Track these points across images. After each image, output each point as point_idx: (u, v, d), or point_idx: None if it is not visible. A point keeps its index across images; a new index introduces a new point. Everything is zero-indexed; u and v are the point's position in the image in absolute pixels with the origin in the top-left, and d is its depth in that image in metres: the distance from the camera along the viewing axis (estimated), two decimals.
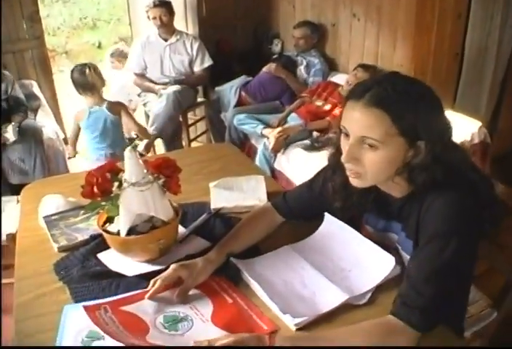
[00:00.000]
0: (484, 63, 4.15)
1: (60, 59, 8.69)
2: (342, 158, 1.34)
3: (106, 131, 3.56)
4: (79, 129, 3.63)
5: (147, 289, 1.42)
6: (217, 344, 1.18)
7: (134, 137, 4.01)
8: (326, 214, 1.69)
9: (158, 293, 1.42)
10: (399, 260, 1.51)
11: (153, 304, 1.40)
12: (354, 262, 1.55)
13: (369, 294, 1.43)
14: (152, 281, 1.43)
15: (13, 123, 3.78)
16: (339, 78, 4.38)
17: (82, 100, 3.63)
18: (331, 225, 1.68)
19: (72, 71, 3.53)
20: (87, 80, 3.44)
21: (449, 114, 3.32)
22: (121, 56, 5.06)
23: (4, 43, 4.57)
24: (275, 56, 4.90)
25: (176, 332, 1.31)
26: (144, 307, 1.39)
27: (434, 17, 3.83)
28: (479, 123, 3.46)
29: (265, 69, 4.57)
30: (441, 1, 3.79)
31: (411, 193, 1.39)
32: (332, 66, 4.72)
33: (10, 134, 3.73)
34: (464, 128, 3.44)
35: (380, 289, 1.45)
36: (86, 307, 1.33)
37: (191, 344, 1.21)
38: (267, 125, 4.12)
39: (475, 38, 4.09)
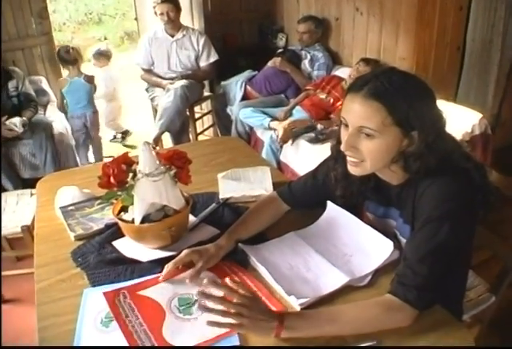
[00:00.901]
0: (489, 55, 4.18)
1: None
2: (342, 147, 1.41)
3: (81, 96, 4.49)
4: (62, 94, 4.53)
5: (161, 274, 1.51)
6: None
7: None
8: (328, 202, 1.76)
9: (171, 276, 1.51)
10: (397, 245, 1.58)
11: (168, 288, 1.48)
12: (355, 247, 1.62)
13: (369, 277, 1.51)
14: (166, 266, 1.52)
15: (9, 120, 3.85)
16: (343, 72, 4.42)
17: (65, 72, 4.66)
18: (333, 213, 1.75)
19: (59, 50, 4.56)
20: (70, 57, 4.45)
21: (450, 106, 3.41)
22: (101, 55, 5.10)
23: (13, 40, 4.64)
24: (280, 50, 4.94)
25: (190, 316, 1.39)
26: (160, 291, 1.47)
27: (435, 11, 3.88)
28: (480, 115, 3.48)
29: (270, 64, 4.61)
30: None
31: (407, 180, 1.46)
32: (335, 60, 4.76)
33: (18, 127, 3.82)
34: (465, 119, 3.47)
35: (379, 272, 1.53)
36: (105, 294, 1.42)
37: (205, 327, 1.27)
38: (272, 118, 4.18)
39: (477, 31, 4.12)
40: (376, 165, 1.43)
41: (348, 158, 1.45)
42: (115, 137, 5.47)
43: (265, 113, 4.26)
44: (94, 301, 1.46)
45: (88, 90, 4.52)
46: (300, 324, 1.30)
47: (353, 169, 1.46)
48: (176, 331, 1.33)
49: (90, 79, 4.55)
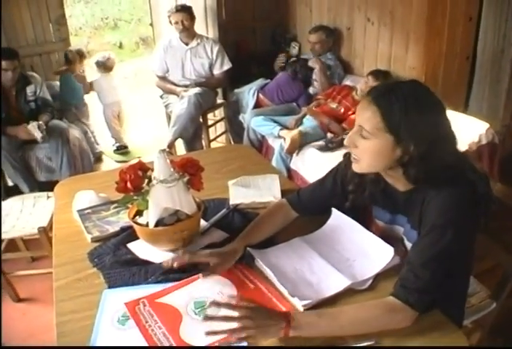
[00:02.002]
0: (500, 65, 4.20)
1: None
2: (345, 142, 1.54)
3: (71, 90, 4.96)
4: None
5: (176, 283, 1.59)
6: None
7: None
8: (333, 209, 1.83)
9: (187, 283, 1.59)
10: (403, 250, 1.65)
11: (184, 293, 1.55)
12: (358, 252, 1.69)
13: (370, 281, 1.58)
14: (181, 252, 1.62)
15: (33, 123, 3.95)
16: (354, 81, 4.49)
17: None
18: (338, 219, 1.82)
19: (66, 51, 4.99)
20: (68, 57, 4.92)
21: (458, 116, 3.46)
22: (99, 65, 5.21)
23: (31, 46, 4.79)
24: (293, 59, 4.98)
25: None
26: (176, 297, 1.54)
27: (445, 21, 3.94)
28: (487, 125, 3.52)
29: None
30: (451, 5, 3.89)
31: (414, 188, 1.53)
32: (347, 69, 4.82)
33: (33, 131, 3.91)
34: (472, 129, 3.50)
35: (379, 277, 1.59)
36: (127, 304, 1.50)
37: (220, 328, 1.35)
38: (283, 126, 4.23)
39: (488, 41, 4.15)
40: (370, 165, 1.53)
41: (351, 155, 1.56)
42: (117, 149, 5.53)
43: (276, 121, 4.31)
44: (112, 301, 1.54)
45: (77, 87, 5.00)
46: (306, 324, 1.37)
47: (353, 165, 1.56)
48: (193, 331, 1.40)
49: (80, 79, 5.05)
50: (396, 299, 1.40)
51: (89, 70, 5.21)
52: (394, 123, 1.41)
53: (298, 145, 3.97)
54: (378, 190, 1.66)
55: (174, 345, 1.35)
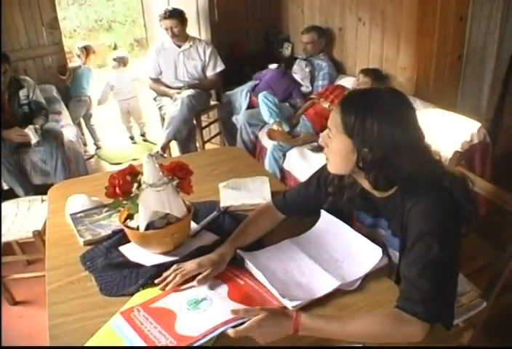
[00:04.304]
0: (484, 62, 4.24)
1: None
2: (319, 141, 1.61)
3: (87, 81, 5.39)
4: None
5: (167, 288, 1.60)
6: (252, 316, 1.36)
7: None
8: (322, 211, 1.86)
9: (179, 286, 1.60)
10: (386, 253, 1.67)
11: (177, 296, 1.56)
12: (346, 253, 1.71)
13: (359, 282, 1.60)
14: (173, 270, 1.63)
15: (30, 126, 3.94)
16: (346, 81, 4.50)
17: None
18: (327, 221, 1.85)
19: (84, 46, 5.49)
20: (88, 51, 5.41)
21: (449, 115, 3.46)
22: (119, 62, 5.47)
23: (24, 49, 4.82)
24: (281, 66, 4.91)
25: (199, 310, 1.47)
26: (169, 300, 1.56)
27: (435, 21, 3.97)
28: (479, 124, 3.51)
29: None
30: (442, 5, 3.92)
31: (390, 195, 1.55)
32: (339, 69, 4.83)
33: (31, 135, 3.91)
34: (463, 128, 3.50)
35: (368, 277, 1.62)
36: (122, 313, 1.51)
37: (215, 318, 1.38)
38: (281, 119, 4.19)
39: (473, 38, 4.19)
40: (334, 166, 1.59)
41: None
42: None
43: (280, 109, 4.28)
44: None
45: (91, 78, 5.44)
46: (314, 330, 1.37)
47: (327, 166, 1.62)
48: (188, 323, 1.41)
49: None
50: (402, 312, 1.38)
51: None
52: (350, 126, 1.44)
53: (276, 139, 4.04)
54: (356, 195, 1.68)
55: (171, 339, 1.37)
